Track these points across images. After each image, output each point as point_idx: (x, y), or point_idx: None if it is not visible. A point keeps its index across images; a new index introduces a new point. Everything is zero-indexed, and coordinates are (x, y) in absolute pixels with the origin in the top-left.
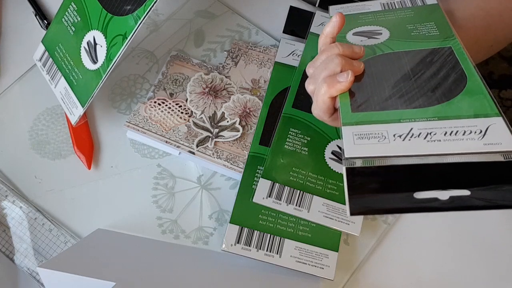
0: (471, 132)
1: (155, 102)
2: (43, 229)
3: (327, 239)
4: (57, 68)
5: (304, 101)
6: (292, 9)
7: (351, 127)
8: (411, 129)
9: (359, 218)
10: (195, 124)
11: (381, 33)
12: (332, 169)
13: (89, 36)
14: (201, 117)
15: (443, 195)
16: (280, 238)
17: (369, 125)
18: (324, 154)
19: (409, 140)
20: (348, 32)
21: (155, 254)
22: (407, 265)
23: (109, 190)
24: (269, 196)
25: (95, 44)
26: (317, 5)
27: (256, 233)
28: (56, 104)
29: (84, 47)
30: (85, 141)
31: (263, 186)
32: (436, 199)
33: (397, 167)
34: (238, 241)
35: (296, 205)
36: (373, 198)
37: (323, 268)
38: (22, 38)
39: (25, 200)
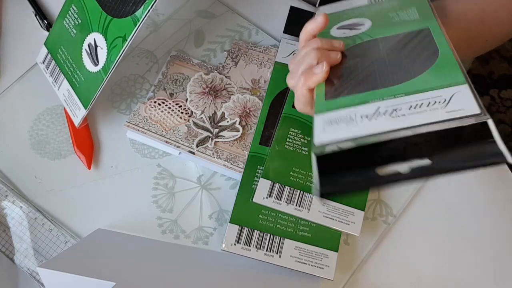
0: (435, 102)
1: (155, 102)
2: (43, 229)
3: (327, 239)
4: (59, 71)
5: None
6: (293, 9)
7: (322, 114)
8: (378, 108)
9: (359, 218)
10: (195, 124)
11: (363, 24)
12: None
13: (90, 39)
14: (201, 117)
15: (404, 167)
16: (280, 238)
17: (339, 110)
18: None
19: (376, 119)
20: (332, 27)
21: (155, 254)
22: (407, 265)
23: (109, 190)
24: (269, 196)
25: (96, 46)
26: (317, 5)
27: (256, 232)
28: (56, 104)
29: (85, 49)
30: (85, 141)
31: (263, 186)
32: (398, 173)
33: (360, 148)
34: (238, 241)
35: (296, 205)
36: (341, 180)
37: (322, 268)
38: (22, 38)
39: (25, 200)
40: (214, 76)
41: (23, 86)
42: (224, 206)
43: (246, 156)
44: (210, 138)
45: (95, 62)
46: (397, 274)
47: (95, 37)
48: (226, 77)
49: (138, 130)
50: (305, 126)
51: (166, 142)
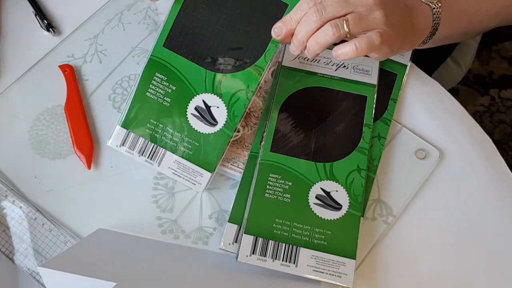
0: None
1: None
2: (43, 229)
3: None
4: (155, 145)
5: (283, 142)
6: None
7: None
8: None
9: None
10: None
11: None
12: (318, 215)
13: (196, 101)
14: None
15: None
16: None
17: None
18: (308, 199)
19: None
20: None
21: (155, 254)
22: (407, 265)
23: (109, 190)
24: (253, 253)
25: (208, 107)
26: None
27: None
28: (56, 104)
29: (191, 113)
30: (85, 141)
31: (246, 242)
32: None
33: None
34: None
35: (282, 260)
36: None
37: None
38: (22, 38)
39: (25, 200)
40: None
41: (23, 86)
42: (224, 206)
43: (246, 157)
44: None
45: (212, 122)
46: (397, 274)
47: (204, 99)
48: None
49: None
50: (285, 171)
51: None
